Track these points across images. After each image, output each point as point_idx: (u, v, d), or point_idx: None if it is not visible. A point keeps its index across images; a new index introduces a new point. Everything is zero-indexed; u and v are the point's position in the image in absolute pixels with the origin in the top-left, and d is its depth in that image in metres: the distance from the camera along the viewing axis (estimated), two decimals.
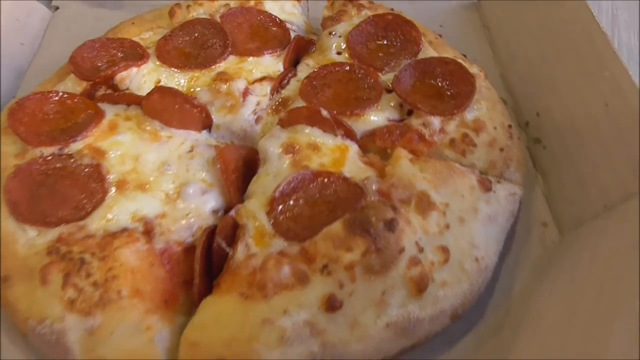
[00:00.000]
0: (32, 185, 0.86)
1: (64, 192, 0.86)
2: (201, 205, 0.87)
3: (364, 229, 0.75)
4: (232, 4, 1.14)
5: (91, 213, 0.83)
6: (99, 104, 0.98)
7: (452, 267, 0.78)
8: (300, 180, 0.86)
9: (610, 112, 0.86)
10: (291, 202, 0.84)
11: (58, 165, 0.89)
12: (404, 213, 0.79)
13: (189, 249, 0.82)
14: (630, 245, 0.69)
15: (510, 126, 0.97)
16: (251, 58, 1.06)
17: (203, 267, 0.81)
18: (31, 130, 0.92)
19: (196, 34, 1.09)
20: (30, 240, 0.81)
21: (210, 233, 0.84)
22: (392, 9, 1.14)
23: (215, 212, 0.88)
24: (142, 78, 1.03)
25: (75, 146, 0.91)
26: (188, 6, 1.13)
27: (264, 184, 0.88)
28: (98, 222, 0.83)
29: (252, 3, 1.15)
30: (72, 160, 0.89)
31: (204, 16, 1.13)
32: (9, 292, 0.78)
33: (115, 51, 1.06)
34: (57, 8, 1.33)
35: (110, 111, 0.97)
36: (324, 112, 0.93)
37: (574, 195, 0.91)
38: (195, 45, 1.08)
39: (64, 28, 1.29)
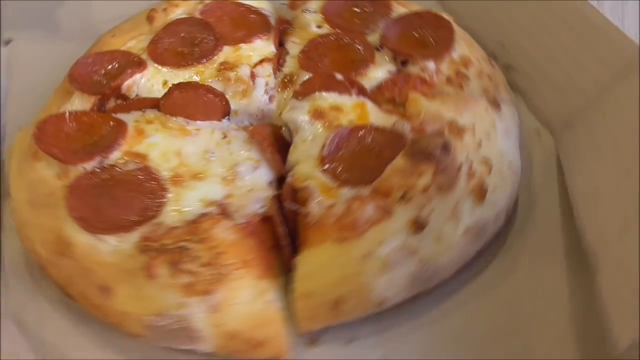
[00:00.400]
0: (91, 199, 0.86)
1: (125, 198, 0.87)
2: (258, 180, 0.92)
3: (426, 156, 0.85)
4: (207, 1, 1.18)
5: (161, 210, 0.86)
6: (115, 115, 0.99)
7: (495, 174, 0.91)
8: (340, 137, 0.95)
9: (569, 26, 1.04)
10: (340, 156, 0.93)
11: (106, 176, 0.90)
12: (448, 138, 0.91)
13: (264, 219, 0.88)
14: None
15: (489, 57, 1.12)
16: (244, 45, 1.12)
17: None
18: (65, 150, 0.92)
19: (183, 34, 1.12)
20: (114, 247, 0.82)
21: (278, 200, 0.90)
22: None
23: (270, 183, 0.94)
24: (148, 82, 1.05)
25: (114, 156, 0.92)
26: (164, 9, 1.16)
27: (305, 149, 0.95)
28: (172, 216, 0.85)
29: None
30: (117, 169, 0.91)
31: (183, 16, 1.16)
32: (112, 301, 0.79)
33: (109, 64, 1.07)
34: (8, 42, 1.28)
35: (129, 119, 0.99)
36: (339, 76, 1.02)
37: (556, 102, 1.08)
38: (186, 43, 1.11)
39: (23, 59, 1.25)
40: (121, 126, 0.95)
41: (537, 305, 0.85)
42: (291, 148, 0.98)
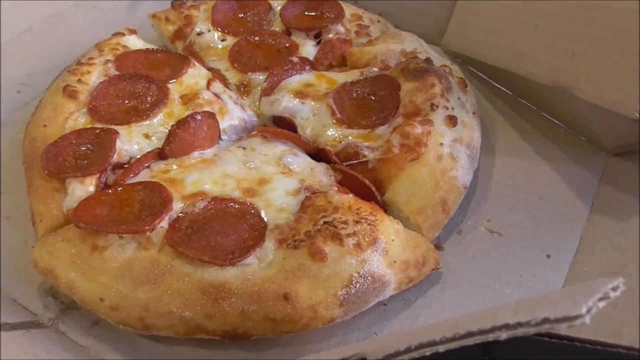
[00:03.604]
0: (201, 241, 0.83)
1: (225, 226, 0.86)
2: (305, 161, 0.99)
3: (424, 71, 1.05)
4: (108, 58, 1.15)
5: (261, 216, 0.88)
6: (128, 184, 0.94)
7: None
8: (337, 97, 1.07)
9: None
10: (348, 111, 1.06)
11: (188, 223, 0.87)
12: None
13: (341, 182, 0.97)
14: None
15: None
16: (182, 78, 1.14)
17: None
18: (123, 224, 0.85)
19: (114, 93, 1.08)
20: (261, 262, 0.82)
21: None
22: None
23: (312, 161, 1.02)
24: (132, 146, 1.00)
25: (177, 207, 0.89)
26: (79, 80, 1.09)
27: (316, 123, 1.06)
28: (280, 216, 0.88)
29: (120, 45, 1.18)
30: (194, 212, 0.88)
31: (101, 79, 1.11)
32: (298, 302, 0.79)
33: (79, 147, 0.99)
34: None
35: (145, 177, 0.95)
36: (294, 59, 1.14)
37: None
38: (127, 98, 1.08)
39: None
40: (157, 186, 0.91)
41: None
42: (299, 129, 1.06)
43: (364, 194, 0.95)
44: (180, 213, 0.87)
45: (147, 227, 0.84)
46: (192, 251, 0.81)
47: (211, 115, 1.02)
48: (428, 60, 1.08)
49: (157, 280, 0.80)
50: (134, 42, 1.20)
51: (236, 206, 0.89)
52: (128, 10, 1.52)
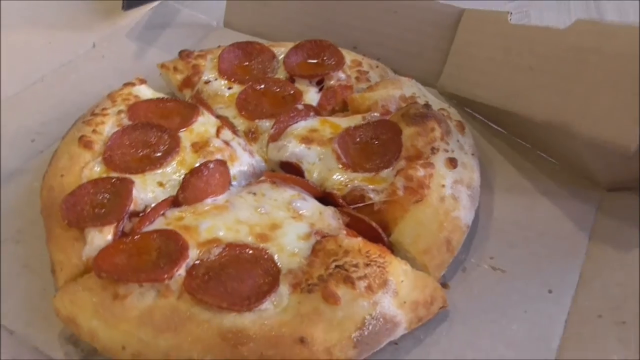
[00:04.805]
0: (217, 288, 0.87)
1: (241, 271, 0.89)
2: (313, 205, 1.03)
3: (423, 116, 1.10)
4: (121, 109, 1.20)
5: (275, 261, 0.92)
6: (145, 232, 0.98)
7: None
8: (342, 141, 1.12)
9: None
10: (353, 155, 1.11)
11: (202, 271, 0.90)
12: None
13: (348, 225, 1.01)
14: None
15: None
16: (192, 126, 1.19)
17: None
18: (141, 273, 0.89)
19: (128, 142, 1.12)
20: (277, 307, 0.85)
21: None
22: None
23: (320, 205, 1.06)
24: (147, 194, 1.04)
25: (193, 254, 0.93)
26: (93, 130, 1.14)
27: (323, 168, 1.10)
28: (292, 260, 0.92)
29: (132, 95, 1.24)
30: (210, 259, 0.92)
31: (115, 129, 1.16)
32: (314, 346, 0.82)
33: (96, 195, 1.03)
34: None
35: (160, 225, 0.99)
36: (299, 106, 1.20)
37: None
38: (141, 147, 1.12)
39: None
40: (172, 234, 0.95)
41: None
42: (306, 174, 1.11)
43: (371, 236, 0.99)
44: (197, 260, 0.91)
45: (165, 276, 0.87)
46: (210, 298, 0.85)
47: (223, 163, 1.06)
48: (427, 105, 1.13)
49: (178, 327, 0.83)
50: (145, 92, 1.25)
51: (250, 252, 0.92)
52: (135, 57, 1.58)
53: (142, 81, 1.29)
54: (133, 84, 1.27)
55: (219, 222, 0.98)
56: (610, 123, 0.96)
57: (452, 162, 1.06)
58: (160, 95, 1.27)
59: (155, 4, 1.69)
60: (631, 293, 0.93)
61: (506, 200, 1.14)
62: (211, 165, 1.03)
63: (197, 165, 1.08)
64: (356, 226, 1.00)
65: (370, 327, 0.85)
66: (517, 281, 1.00)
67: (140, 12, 1.66)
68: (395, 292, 0.88)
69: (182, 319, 0.84)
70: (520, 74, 1.15)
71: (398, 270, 0.90)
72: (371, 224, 1.00)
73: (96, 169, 1.08)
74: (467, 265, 1.03)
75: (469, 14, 1.34)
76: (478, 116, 1.33)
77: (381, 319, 0.85)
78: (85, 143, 1.11)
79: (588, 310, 0.94)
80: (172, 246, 0.93)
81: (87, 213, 0.99)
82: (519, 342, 0.91)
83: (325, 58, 1.34)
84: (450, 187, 1.04)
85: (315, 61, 1.34)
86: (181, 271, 0.89)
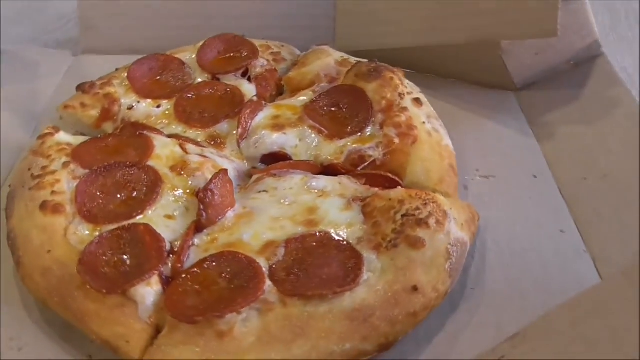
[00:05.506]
0: (305, 284, 0.85)
1: (319, 259, 0.89)
2: (328, 180, 1.03)
3: (376, 70, 1.16)
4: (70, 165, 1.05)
5: (346, 243, 0.92)
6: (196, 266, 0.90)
7: None
8: (312, 116, 1.14)
9: None
10: (327, 122, 1.14)
11: (284, 274, 0.87)
12: None
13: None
14: None
15: None
16: (155, 152, 1.08)
17: None
18: (222, 300, 0.83)
19: (103, 190, 1.00)
20: (375, 275, 0.87)
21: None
22: None
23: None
24: (162, 231, 0.94)
25: (261, 262, 0.89)
26: (52, 192, 0.98)
27: (306, 146, 1.11)
28: (350, 232, 0.93)
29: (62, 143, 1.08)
30: (278, 259, 0.89)
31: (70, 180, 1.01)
32: (424, 292, 0.87)
33: (112, 251, 0.90)
34: None
35: (200, 255, 0.92)
36: (254, 97, 1.18)
37: None
38: (118, 189, 1.00)
39: None
40: (226, 255, 0.89)
41: None
42: (293, 158, 1.11)
43: (390, 188, 1.05)
44: (272, 265, 0.87)
45: (259, 293, 0.82)
46: (316, 290, 0.82)
47: (224, 172, 1.00)
48: (372, 60, 1.21)
49: (305, 330, 0.80)
50: (67, 139, 1.10)
51: (312, 239, 0.91)
52: None
53: (57, 129, 1.12)
54: (52, 134, 1.10)
55: (258, 228, 0.94)
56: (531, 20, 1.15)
57: (418, 101, 1.16)
58: (84, 138, 1.12)
59: None
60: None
61: (455, 127, 1.26)
62: (219, 177, 0.97)
63: (189, 183, 1.02)
64: (372, 184, 1.04)
65: (454, 254, 0.91)
66: (506, 183, 1.16)
67: None
68: (454, 218, 0.95)
69: (303, 321, 0.80)
70: (427, 9, 1.28)
71: (443, 201, 0.98)
72: (387, 175, 1.05)
73: (82, 231, 0.94)
74: (466, 184, 1.15)
75: None
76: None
77: (458, 244, 0.93)
78: (52, 208, 0.95)
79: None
80: (235, 265, 0.87)
81: (114, 274, 0.87)
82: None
83: (238, 49, 1.32)
84: (428, 122, 1.13)
85: (230, 55, 1.31)
86: (267, 281, 0.84)
